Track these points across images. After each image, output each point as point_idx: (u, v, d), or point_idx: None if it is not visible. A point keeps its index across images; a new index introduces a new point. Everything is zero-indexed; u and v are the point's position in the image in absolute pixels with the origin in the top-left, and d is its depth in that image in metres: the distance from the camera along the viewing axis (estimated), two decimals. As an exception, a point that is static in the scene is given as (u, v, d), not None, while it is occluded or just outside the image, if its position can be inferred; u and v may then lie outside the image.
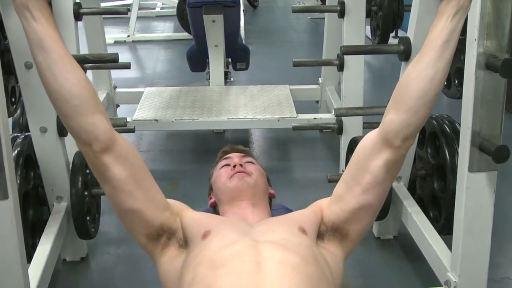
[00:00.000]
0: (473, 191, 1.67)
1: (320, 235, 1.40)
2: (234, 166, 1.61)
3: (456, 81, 2.08)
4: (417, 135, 1.32)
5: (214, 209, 1.68)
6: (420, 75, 1.24)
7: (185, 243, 1.38)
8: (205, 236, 1.32)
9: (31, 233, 2.15)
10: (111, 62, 2.10)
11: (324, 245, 1.39)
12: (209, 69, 3.85)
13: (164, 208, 1.39)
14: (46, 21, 1.18)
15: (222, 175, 1.62)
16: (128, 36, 6.31)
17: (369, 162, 1.32)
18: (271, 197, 1.69)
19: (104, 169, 1.28)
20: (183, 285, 1.25)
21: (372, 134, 1.33)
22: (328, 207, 1.43)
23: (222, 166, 1.66)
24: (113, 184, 1.30)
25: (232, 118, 3.32)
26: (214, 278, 1.19)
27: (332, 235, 1.41)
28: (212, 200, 1.68)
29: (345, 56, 2.82)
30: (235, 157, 1.68)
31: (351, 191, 1.36)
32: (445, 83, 2.10)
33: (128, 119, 3.15)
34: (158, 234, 1.37)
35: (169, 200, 1.44)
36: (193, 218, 1.42)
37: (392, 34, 5.18)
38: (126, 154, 1.29)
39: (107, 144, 1.25)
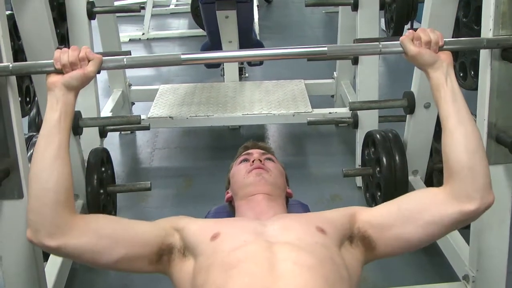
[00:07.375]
0: (491, 184, 1.64)
1: (350, 237, 1.37)
2: (253, 162, 1.60)
3: (472, 72, 2.05)
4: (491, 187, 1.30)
5: (230, 204, 1.67)
6: (453, 142, 1.28)
7: (187, 251, 1.34)
8: (214, 238, 1.29)
9: (48, 232, 2.16)
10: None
11: (349, 248, 1.35)
12: (223, 65, 3.84)
13: (154, 238, 1.34)
14: (66, 117, 1.27)
15: (241, 170, 1.62)
16: (143, 34, 6.33)
17: (441, 215, 1.30)
18: (288, 197, 1.67)
19: (67, 253, 1.26)
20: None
21: (443, 195, 1.31)
22: (367, 222, 1.38)
23: (241, 161, 1.66)
24: (89, 253, 1.27)
25: (247, 114, 3.31)
26: (225, 280, 1.16)
27: (360, 243, 1.37)
28: (228, 195, 1.67)
29: (359, 50, 2.79)
30: (255, 153, 1.67)
31: (404, 225, 1.33)
32: (461, 74, 2.06)
33: (143, 117, 3.16)
34: (159, 255, 1.33)
35: (160, 221, 1.40)
36: (197, 224, 1.38)
37: (408, 26, 5.13)
38: (88, 228, 1.26)
39: (65, 236, 1.23)
